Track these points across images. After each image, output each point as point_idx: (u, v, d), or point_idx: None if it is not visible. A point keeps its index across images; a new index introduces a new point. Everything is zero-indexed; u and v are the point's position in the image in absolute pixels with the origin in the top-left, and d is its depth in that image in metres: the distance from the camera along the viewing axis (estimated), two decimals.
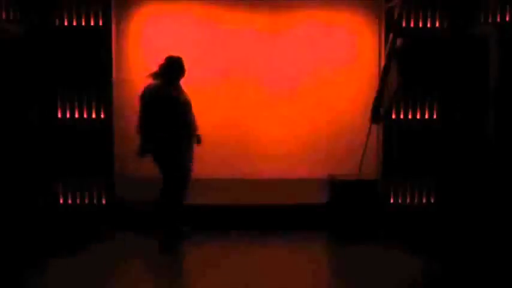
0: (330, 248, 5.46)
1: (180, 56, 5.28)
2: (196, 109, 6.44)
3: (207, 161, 6.44)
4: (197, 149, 6.45)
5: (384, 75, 5.49)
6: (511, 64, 5.40)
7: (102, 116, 5.80)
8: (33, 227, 5.54)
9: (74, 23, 5.69)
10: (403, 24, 5.77)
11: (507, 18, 5.59)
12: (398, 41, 5.38)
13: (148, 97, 5.13)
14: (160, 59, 5.23)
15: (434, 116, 5.87)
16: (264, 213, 5.80)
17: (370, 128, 5.64)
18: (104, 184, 5.84)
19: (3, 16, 5.49)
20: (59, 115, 5.75)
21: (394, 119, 5.89)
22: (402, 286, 4.46)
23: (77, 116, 5.77)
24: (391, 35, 5.51)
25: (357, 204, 5.55)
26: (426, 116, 5.88)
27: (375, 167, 6.15)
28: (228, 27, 6.51)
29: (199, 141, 5.44)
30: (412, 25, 5.80)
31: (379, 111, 5.53)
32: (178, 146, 5.21)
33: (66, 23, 5.69)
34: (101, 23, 5.73)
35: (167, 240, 5.32)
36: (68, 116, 5.76)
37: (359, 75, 6.51)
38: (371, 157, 6.02)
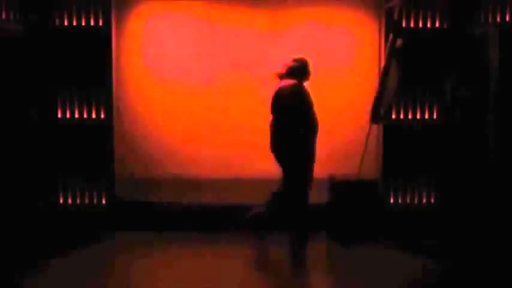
0: (329, 248, 5.46)
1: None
2: (195, 108, 6.49)
3: (206, 161, 6.45)
4: (196, 149, 6.50)
5: (384, 76, 5.48)
6: (511, 64, 5.40)
7: (102, 116, 5.79)
8: (33, 226, 5.54)
9: (74, 23, 5.69)
10: (403, 24, 5.77)
11: (507, 18, 5.58)
12: (399, 41, 5.37)
13: (288, 97, 5.11)
14: (291, 59, 5.24)
15: (434, 116, 5.88)
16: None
17: (370, 128, 5.64)
18: (104, 184, 5.84)
19: (3, 16, 5.48)
20: (59, 115, 5.75)
21: (394, 119, 5.88)
22: (402, 286, 4.47)
23: (77, 116, 5.77)
24: (391, 35, 5.51)
25: (357, 204, 5.54)
26: (426, 116, 5.88)
27: (375, 167, 6.14)
28: (228, 26, 6.50)
29: None
30: (412, 25, 5.80)
31: (379, 111, 5.53)
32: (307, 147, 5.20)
33: (66, 23, 5.68)
34: (101, 23, 5.73)
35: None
36: (68, 116, 5.76)
37: (359, 75, 6.49)
38: (371, 157, 6.01)
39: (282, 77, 5.23)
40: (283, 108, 5.13)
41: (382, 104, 5.51)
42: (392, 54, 5.39)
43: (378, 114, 5.52)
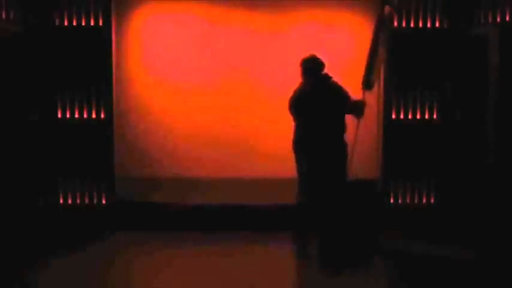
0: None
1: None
2: (195, 108, 6.50)
3: (206, 161, 6.46)
4: (196, 149, 6.51)
5: (373, 46, 5.38)
6: (511, 64, 5.40)
7: (102, 116, 5.79)
8: (34, 226, 5.54)
9: (74, 23, 5.69)
10: (403, 24, 5.78)
11: (507, 18, 5.59)
12: (386, 10, 5.30)
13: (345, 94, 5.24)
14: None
15: (435, 116, 5.88)
16: (264, 213, 5.80)
17: (357, 128, 5.43)
18: (104, 184, 5.84)
19: (3, 16, 5.48)
20: (59, 115, 5.75)
21: (394, 119, 5.88)
22: (402, 286, 4.47)
23: (77, 116, 5.77)
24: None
25: (356, 204, 5.53)
26: (426, 116, 5.88)
27: (374, 167, 6.14)
28: (228, 26, 6.51)
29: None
30: (412, 25, 5.80)
31: (369, 79, 5.44)
32: None
33: (66, 23, 5.68)
34: (101, 23, 5.73)
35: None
36: (68, 116, 5.76)
37: (359, 75, 6.48)
38: (371, 157, 6.01)
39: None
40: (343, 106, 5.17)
41: (373, 71, 5.44)
42: (381, 23, 5.33)
43: (368, 81, 5.46)
